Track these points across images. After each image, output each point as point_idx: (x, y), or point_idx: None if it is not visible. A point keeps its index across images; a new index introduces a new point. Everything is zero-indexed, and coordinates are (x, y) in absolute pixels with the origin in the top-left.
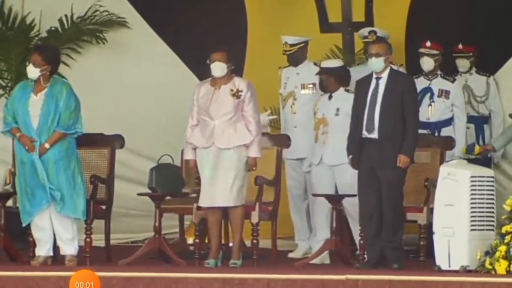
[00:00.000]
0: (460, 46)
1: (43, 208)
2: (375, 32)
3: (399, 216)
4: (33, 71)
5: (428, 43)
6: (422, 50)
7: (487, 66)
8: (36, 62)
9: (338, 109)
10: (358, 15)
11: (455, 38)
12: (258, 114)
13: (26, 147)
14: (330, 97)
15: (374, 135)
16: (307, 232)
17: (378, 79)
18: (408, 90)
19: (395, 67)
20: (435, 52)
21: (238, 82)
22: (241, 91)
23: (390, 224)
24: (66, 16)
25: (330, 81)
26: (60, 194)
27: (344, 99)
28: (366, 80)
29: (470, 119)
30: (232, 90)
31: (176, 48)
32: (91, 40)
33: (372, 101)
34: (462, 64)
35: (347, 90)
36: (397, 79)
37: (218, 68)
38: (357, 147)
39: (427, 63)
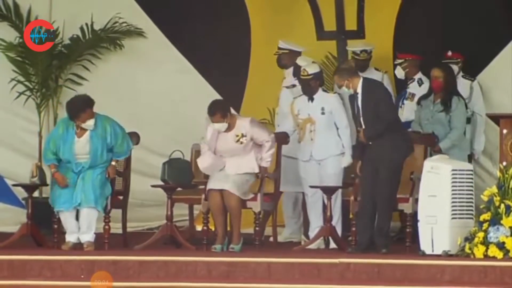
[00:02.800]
0: (450, 53)
1: (66, 207)
2: (366, 51)
3: (391, 208)
4: (91, 125)
5: (398, 57)
6: (395, 62)
7: (471, 68)
8: (88, 115)
9: (323, 108)
10: (351, 24)
11: (439, 44)
12: (267, 134)
13: (60, 183)
14: (311, 99)
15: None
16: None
17: (356, 94)
18: (379, 96)
19: (380, 73)
20: (401, 61)
21: (240, 126)
22: (245, 135)
23: (382, 215)
24: (87, 25)
25: (316, 84)
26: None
27: (324, 99)
28: (353, 96)
29: None
30: (237, 136)
31: (188, 55)
32: (110, 47)
33: (358, 113)
34: (398, 72)
35: (324, 90)
36: (369, 90)
37: (219, 127)
38: (360, 153)
39: (398, 73)
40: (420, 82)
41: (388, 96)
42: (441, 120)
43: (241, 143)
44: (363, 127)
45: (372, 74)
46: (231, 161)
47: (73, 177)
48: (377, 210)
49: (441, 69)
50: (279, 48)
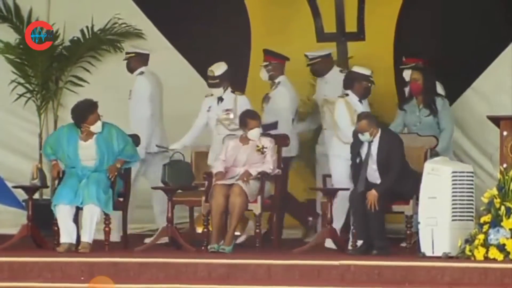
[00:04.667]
0: (404, 59)
1: (66, 201)
2: (317, 57)
3: (382, 210)
4: (99, 126)
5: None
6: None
7: (471, 70)
8: (95, 117)
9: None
10: (351, 26)
11: (440, 45)
12: (273, 164)
13: (52, 174)
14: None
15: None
16: None
17: (370, 143)
18: (394, 150)
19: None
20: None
21: (263, 140)
22: (266, 147)
23: (373, 217)
24: (87, 27)
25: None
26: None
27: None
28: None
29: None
30: (258, 146)
31: (186, 55)
32: (110, 49)
33: (365, 161)
34: (406, 75)
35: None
36: (385, 142)
37: (256, 133)
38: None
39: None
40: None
41: (402, 150)
42: (430, 124)
43: (262, 153)
44: (368, 171)
45: (336, 75)
46: (243, 168)
47: (77, 182)
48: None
49: (419, 72)
50: (127, 53)
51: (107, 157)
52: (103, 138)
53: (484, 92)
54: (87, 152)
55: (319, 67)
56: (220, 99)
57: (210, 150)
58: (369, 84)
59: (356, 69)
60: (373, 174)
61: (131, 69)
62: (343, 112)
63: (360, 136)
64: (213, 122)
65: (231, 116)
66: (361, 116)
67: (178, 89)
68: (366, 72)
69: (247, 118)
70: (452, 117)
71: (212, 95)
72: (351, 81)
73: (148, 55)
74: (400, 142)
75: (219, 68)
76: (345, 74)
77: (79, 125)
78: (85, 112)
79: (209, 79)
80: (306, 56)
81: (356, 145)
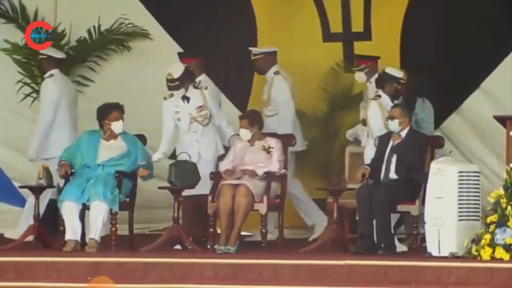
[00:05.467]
0: (356, 61)
1: (72, 198)
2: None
3: (388, 209)
4: (120, 127)
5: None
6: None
7: (479, 71)
8: (119, 115)
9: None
10: (357, 26)
11: (446, 48)
12: (279, 165)
13: (60, 172)
14: (187, 99)
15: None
16: None
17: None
18: (419, 148)
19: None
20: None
21: (269, 141)
22: (272, 147)
23: (379, 216)
24: (94, 27)
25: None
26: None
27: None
28: (386, 136)
29: None
30: (264, 146)
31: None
32: (117, 48)
33: (390, 154)
34: (358, 77)
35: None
36: (412, 139)
37: (243, 134)
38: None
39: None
40: None
41: (424, 147)
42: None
43: (268, 152)
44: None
45: (275, 77)
46: (250, 168)
47: (85, 181)
48: (374, 211)
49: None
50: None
51: (134, 157)
52: (128, 140)
53: (491, 92)
54: (109, 152)
55: (260, 64)
56: (186, 98)
57: (178, 148)
58: (399, 87)
59: (388, 70)
60: (392, 169)
61: (43, 71)
62: (376, 114)
63: (390, 122)
64: (186, 121)
65: (205, 111)
66: (397, 104)
67: None
68: (398, 74)
69: (241, 115)
70: (431, 116)
71: (172, 95)
72: (383, 82)
73: (61, 59)
74: (426, 143)
75: (176, 71)
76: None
77: (101, 122)
78: (108, 108)
79: (168, 82)
80: (250, 51)
81: (383, 139)
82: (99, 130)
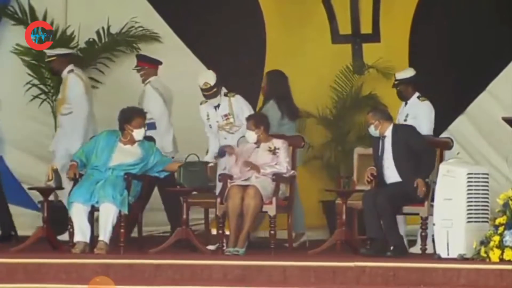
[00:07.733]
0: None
1: (81, 200)
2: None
3: (393, 209)
4: (141, 134)
5: None
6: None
7: (484, 76)
8: (141, 121)
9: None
10: (366, 27)
11: (453, 50)
12: (287, 166)
13: (68, 173)
14: (405, 104)
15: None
16: None
17: (383, 138)
18: (412, 138)
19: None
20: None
21: (275, 142)
22: (278, 148)
23: (385, 217)
24: (103, 28)
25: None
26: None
27: (416, 105)
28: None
29: None
30: (269, 148)
31: (203, 58)
32: (127, 50)
33: (382, 155)
34: None
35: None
36: (400, 135)
37: (249, 136)
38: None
39: None
40: None
41: (420, 137)
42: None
43: (274, 153)
44: (385, 167)
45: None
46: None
47: (94, 183)
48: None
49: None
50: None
51: (146, 162)
52: (144, 147)
53: (499, 94)
54: (123, 156)
55: (53, 66)
56: (217, 106)
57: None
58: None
59: (398, 75)
60: (390, 171)
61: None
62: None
63: (369, 130)
64: (215, 129)
65: (231, 120)
66: (370, 110)
67: (192, 90)
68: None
69: (247, 117)
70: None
71: (206, 101)
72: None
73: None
74: (414, 130)
75: (211, 78)
76: None
77: (123, 126)
78: (133, 113)
79: (205, 91)
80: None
81: (374, 144)
82: (117, 131)
